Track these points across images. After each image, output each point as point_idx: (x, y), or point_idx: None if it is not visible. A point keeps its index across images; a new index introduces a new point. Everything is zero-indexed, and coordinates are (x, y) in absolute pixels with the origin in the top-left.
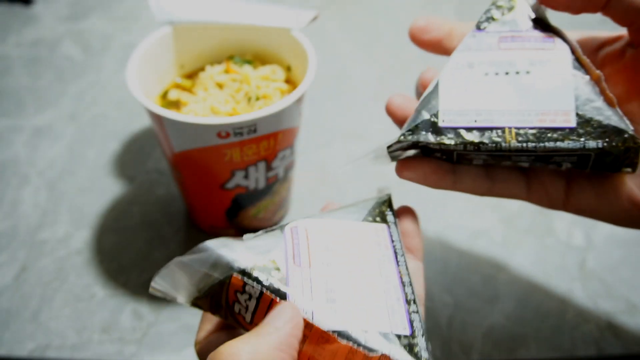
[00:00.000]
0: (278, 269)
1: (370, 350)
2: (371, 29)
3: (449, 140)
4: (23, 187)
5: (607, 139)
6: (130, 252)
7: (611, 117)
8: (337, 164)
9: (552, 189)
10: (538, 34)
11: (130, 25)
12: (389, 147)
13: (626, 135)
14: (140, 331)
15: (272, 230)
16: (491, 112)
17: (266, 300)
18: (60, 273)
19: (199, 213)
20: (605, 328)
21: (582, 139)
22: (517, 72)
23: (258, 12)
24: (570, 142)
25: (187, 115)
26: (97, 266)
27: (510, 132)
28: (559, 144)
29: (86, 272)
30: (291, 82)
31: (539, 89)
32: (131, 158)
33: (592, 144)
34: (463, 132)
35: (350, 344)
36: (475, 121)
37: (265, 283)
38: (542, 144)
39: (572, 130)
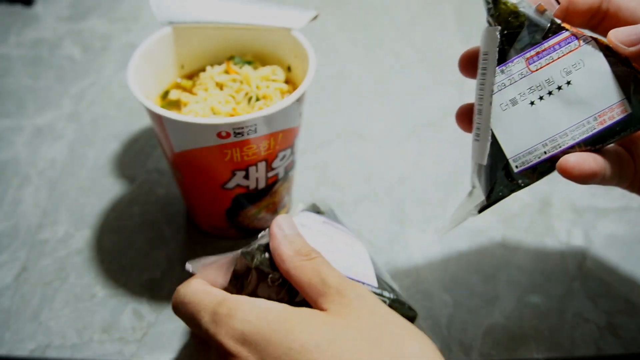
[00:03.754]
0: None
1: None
2: (371, 29)
3: (525, 183)
4: (23, 187)
5: None
6: (130, 252)
7: None
8: (338, 164)
9: None
10: (557, 38)
11: (131, 26)
12: (480, 211)
13: None
14: (141, 331)
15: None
16: (555, 138)
17: None
18: (60, 273)
19: (199, 213)
20: (605, 328)
21: None
22: (559, 88)
23: (258, 12)
24: (632, 128)
25: (187, 116)
26: (97, 266)
27: (580, 147)
28: (624, 134)
29: (86, 272)
30: (291, 82)
31: (586, 94)
32: (131, 158)
33: None
34: (538, 168)
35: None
36: (545, 152)
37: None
38: (610, 141)
39: (630, 117)
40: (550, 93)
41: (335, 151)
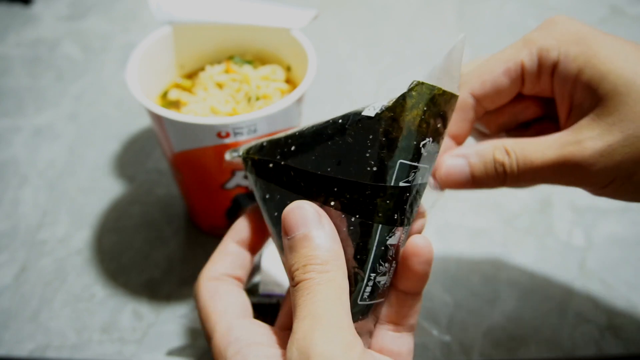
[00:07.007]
0: None
1: None
2: (371, 29)
3: None
4: (23, 187)
5: None
6: (130, 252)
7: None
8: None
9: None
10: None
11: (130, 25)
12: None
13: None
14: (140, 331)
15: None
16: None
17: None
18: (60, 273)
19: (199, 213)
20: (606, 328)
21: None
22: None
23: (258, 12)
24: None
25: (187, 115)
26: (97, 266)
27: None
28: None
29: (86, 272)
30: (291, 82)
31: None
32: (131, 158)
33: None
34: None
35: None
36: None
37: None
38: None
39: None
40: None
41: None
